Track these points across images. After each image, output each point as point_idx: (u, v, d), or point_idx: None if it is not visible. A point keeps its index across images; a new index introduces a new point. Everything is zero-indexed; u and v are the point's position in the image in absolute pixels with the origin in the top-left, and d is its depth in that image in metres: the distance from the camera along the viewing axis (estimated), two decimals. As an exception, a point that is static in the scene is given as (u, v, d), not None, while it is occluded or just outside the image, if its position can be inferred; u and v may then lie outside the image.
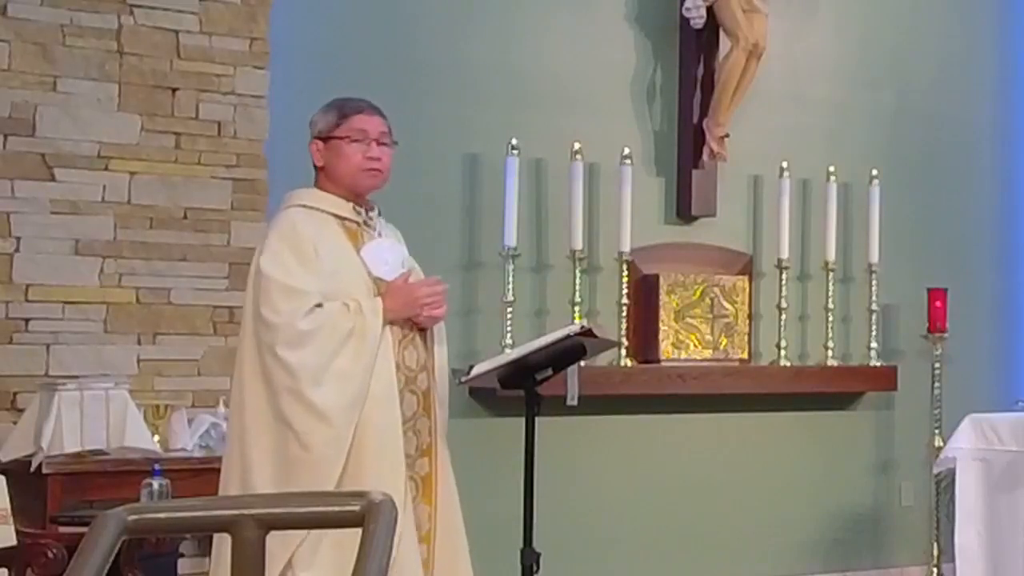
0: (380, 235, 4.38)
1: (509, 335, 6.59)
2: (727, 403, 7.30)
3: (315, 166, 4.38)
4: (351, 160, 4.30)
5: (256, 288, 4.16)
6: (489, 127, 6.77)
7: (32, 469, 5.27)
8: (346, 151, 4.30)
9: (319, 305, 4.14)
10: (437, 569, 4.29)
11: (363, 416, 4.14)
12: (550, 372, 4.63)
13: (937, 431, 7.45)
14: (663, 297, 7.10)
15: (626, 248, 6.95)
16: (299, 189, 4.41)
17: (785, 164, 7.40)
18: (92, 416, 5.37)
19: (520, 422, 4.68)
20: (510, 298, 6.65)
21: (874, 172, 7.63)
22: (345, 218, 4.31)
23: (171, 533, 4.22)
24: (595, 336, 4.70)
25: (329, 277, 4.18)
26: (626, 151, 6.96)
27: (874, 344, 7.65)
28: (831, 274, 7.52)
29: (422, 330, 4.36)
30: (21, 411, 5.53)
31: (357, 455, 4.12)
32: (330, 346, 4.12)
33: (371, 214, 4.37)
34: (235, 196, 6.05)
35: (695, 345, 7.18)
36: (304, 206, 4.30)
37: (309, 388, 4.08)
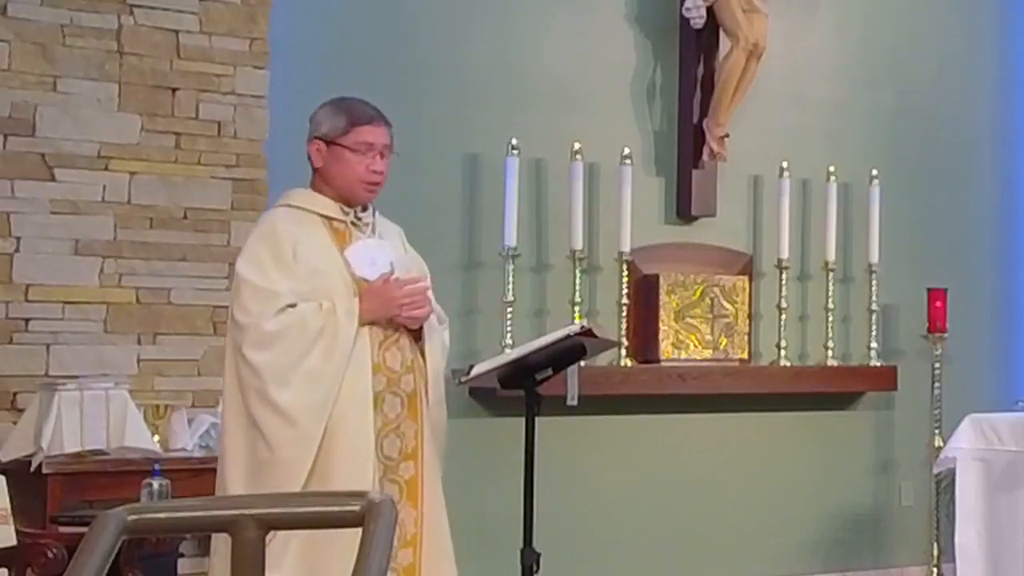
0: (375, 234, 4.34)
1: (509, 335, 6.59)
2: (727, 403, 7.30)
3: (312, 165, 4.34)
4: (353, 171, 4.27)
5: (232, 289, 4.20)
6: (489, 127, 6.77)
7: (32, 469, 5.27)
8: (349, 160, 4.26)
9: (292, 306, 4.12)
10: (423, 574, 4.25)
11: (334, 418, 4.11)
12: (550, 372, 4.63)
13: (937, 431, 7.45)
14: (663, 297, 7.10)
15: (626, 248, 6.95)
16: (293, 188, 4.40)
17: (785, 164, 7.40)
18: (92, 416, 5.37)
19: (520, 422, 4.68)
20: (510, 298, 6.65)
21: (874, 172, 7.63)
22: (333, 218, 4.28)
23: (171, 533, 4.22)
24: (595, 336, 4.70)
25: (308, 278, 4.16)
26: (626, 151, 6.96)
27: (874, 344, 7.65)
28: (831, 274, 7.52)
29: (412, 331, 4.32)
30: (21, 411, 5.53)
31: (326, 457, 4.09)
32: (298, 347, 4.09)
33: (362, 214, 4.33)
34: (235, 196, 6.05)
35: (695, 345, 7.18)
36: (291, 206, 4.28)
37: (274, 389, 4.07)
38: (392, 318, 4.25)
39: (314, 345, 4.11)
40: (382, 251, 4.33)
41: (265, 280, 4.12)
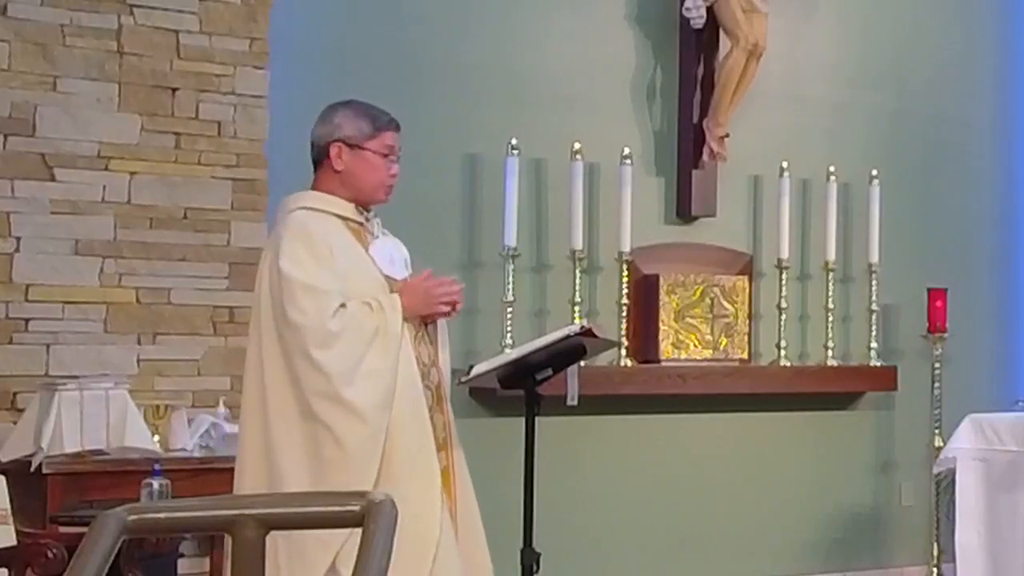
0: (378, 235, 4.40)
1: (509, 335, 6.59)
2: (727, 403, 7.30)
3: (317, 164, 4.35)
4: (378, 174, 4.33)
5: (276, 291, 4.14)
6: (489, 127, 6.77)
7: (32, 469, 5.27)
8: (375, 164, 4.32)
9: (342, 305, 4.15)
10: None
11: (392, 413, 4.16)
12: (550, 372, 4.64)
13: (937, 431, 7.45)
14: (663, 297, 7.10)
15: (626, 248, 6.95)
16: (297, 193, 4.40)
17: (785, 164, 7.40)
18: (92, 416, 5.37)
19: (520, 422, 4.68)
20: (510, 298, 6.65)
21: (874, 172, 7.63)
22: (348, 219, 4.33)
23: (171, 533, 4.22)
24: (595, 336, 4.70)
25: (344, 276, 4.20)
26: (626, 151, 6.96)
27: (874, 344, 7.65)
28: (831, 274, 7.52)
29: (427, 325, 4.38)
30: (21, 411, 5.53)
31: (388, 452, 4.14)
32: (359, 346, 4.13)
33: (368, 214, 4.40)
34: (235, 196, 6.05)
35: (695, 345, 7.18)
36: (309, 208, 4.30)
37: (343, 388, 4.09)
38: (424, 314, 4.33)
39: (372, 343, 4.15)
40: (397, 249, 4.42)
41: (313, 279, 4.13)
